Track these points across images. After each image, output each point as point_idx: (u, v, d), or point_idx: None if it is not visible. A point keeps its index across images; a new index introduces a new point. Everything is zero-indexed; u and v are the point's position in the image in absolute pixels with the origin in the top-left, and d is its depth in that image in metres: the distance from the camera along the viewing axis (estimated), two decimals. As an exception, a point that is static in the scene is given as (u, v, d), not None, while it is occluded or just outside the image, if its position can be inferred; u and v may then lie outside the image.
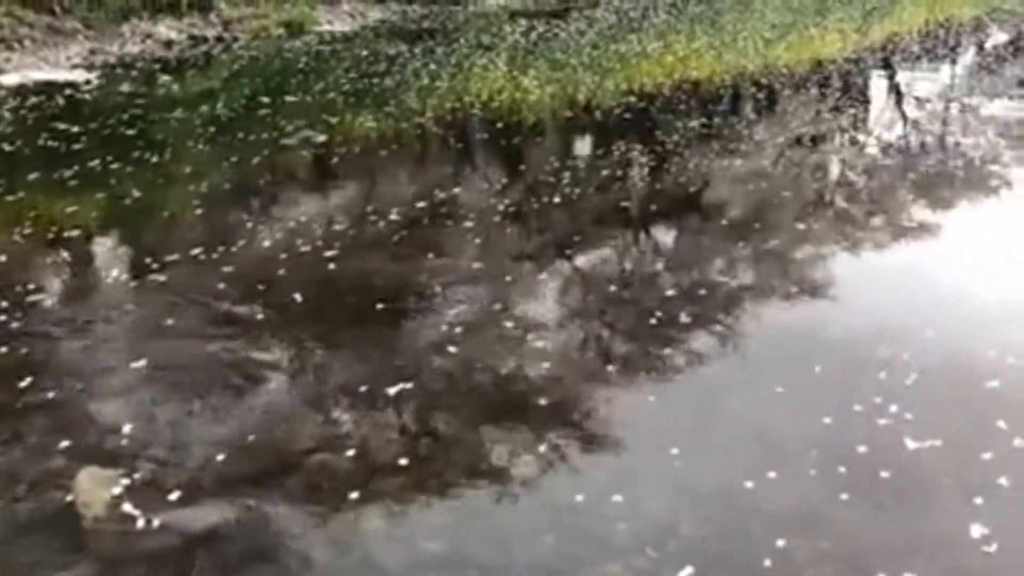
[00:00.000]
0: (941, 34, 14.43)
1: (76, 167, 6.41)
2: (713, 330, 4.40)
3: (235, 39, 11.55)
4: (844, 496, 3.04)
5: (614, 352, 4.21)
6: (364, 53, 10.67)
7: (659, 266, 5.42)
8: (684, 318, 4.43)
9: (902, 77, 11.60)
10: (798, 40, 12.97)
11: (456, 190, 6.31)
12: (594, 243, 5.51)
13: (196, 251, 5.02)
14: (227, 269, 4.80)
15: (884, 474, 3.16)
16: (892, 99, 10.44)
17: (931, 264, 5.34)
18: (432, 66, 9.69)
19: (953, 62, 13.38)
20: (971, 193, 6.79)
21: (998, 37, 15.31)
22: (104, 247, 5.47)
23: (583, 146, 7.58)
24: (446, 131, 7.64)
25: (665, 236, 5.86)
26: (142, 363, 3.88)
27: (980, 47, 14.42)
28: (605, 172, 6.67)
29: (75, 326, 4.21)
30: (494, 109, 8.31)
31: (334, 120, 7.73)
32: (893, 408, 3.55)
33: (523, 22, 13.52)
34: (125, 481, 3.05)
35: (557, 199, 6.04)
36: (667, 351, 4.15)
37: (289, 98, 8.50)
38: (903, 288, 4.88)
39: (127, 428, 3.40)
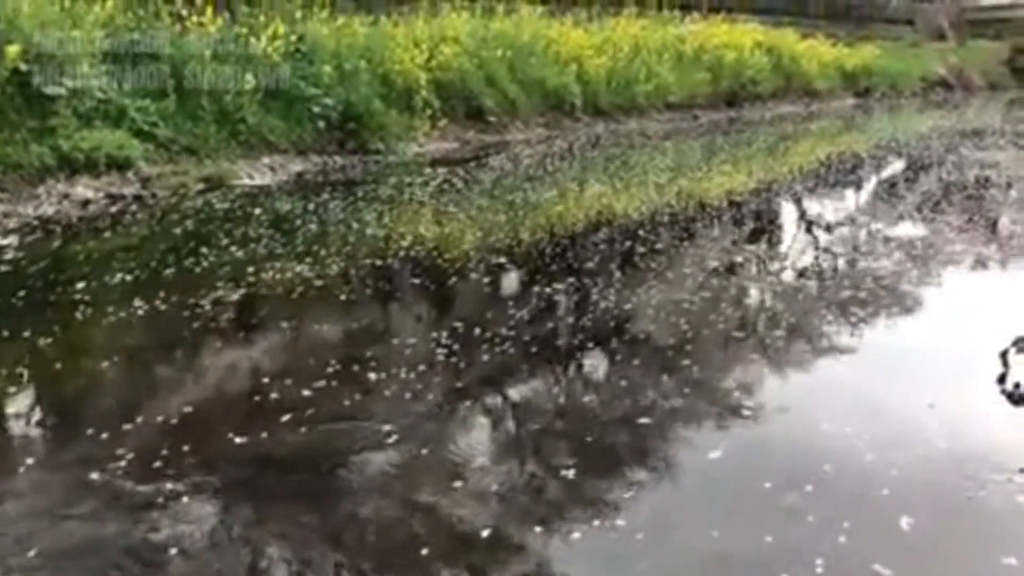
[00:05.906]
0: (823, 172, 15.09)
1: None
2: (643, 463, 4.43)
3: (153, 196, 11.51)
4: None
5: (544, 497, 4.15)
6: (258, 212, 10.73)
7: (586, 400, 5.39)
8: (614, 451, 4.48)
9: (801, 209, 12.08)
10: (690, 183, 13.49)
11: (357, 343, 6.29)
12: (517, 385, 5.50)
13: (101, 424, 4.81)
14: (132, 444, 4.60)
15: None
16: (796, 229, 10.82)
17: (852, 385, 5.48)
18: (313, 226, 9.79)
19: (857, 189, 14.03)
20: (884, 314, 6.97)
21: (893, 167, 16.15)
22: (5, 423, 5.21)
23: (469, 303, 7.64)
24: (342, 287, 7.62)
25: (585, 377, 5.87)
26: (33, 552, 3.65)
27: (877, 177, 15.16)
28: (503, 326, 6.71)
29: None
30: (380, 265, 8.38)
31: (245, 278, 7.67)
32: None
33: (428, 171, 13.86)
34: None
35: (468, 345, 6.02)
36: (600, 488, 4.15)
37: (201, 257, 8.43)
38: (826, 411, 4.99)
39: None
